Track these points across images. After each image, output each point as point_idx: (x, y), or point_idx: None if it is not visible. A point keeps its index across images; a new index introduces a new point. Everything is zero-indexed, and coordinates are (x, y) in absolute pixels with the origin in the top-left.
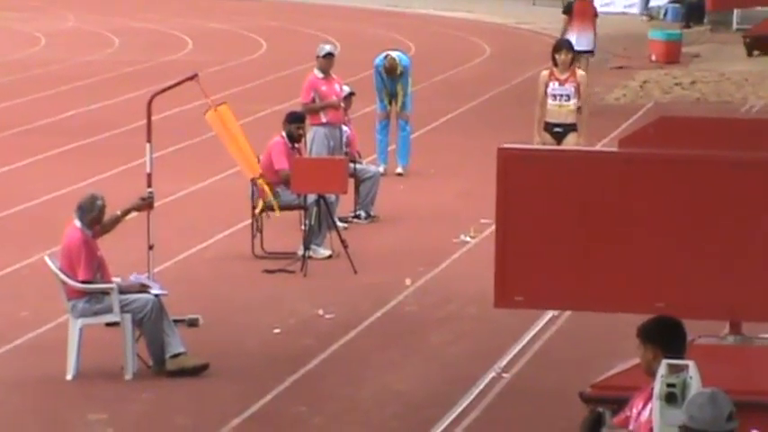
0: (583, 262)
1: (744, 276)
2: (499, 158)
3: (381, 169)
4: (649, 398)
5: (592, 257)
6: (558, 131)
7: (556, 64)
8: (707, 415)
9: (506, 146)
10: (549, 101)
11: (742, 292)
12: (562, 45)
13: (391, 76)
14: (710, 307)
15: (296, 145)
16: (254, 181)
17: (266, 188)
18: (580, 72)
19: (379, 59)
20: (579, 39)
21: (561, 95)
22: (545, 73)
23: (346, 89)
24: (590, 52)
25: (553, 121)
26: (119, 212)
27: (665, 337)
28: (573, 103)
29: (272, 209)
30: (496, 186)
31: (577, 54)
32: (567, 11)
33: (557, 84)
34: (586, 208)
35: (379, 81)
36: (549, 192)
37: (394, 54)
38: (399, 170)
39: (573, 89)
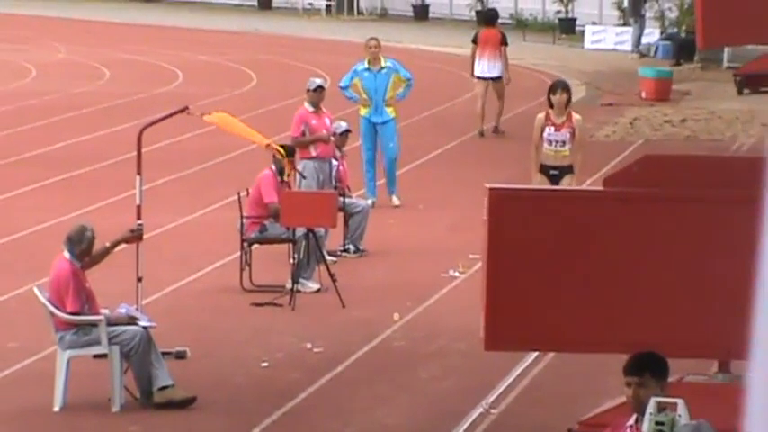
0: (575, 302)
1: (736, 314)
2: (490, 198)
3: (370, 202)
4: None
5: (584, 297)
6: (555, 174)
7: (551, 105)
8: None
9: (496, 186)
10: (545, 145)
11: (736, 331)
12: (557, 86)
13: (375, 68)
14: (707, 345)
15: (285, 178)
16: (268, 147)
17: (278, 150)
18: (576, 117)
19: (358, 63)
20: (481, 65)
21: (557, 141)
22: (541, 116)
23: (343, 125)
24: (498, 78)
25: (549, 164)
26: (108, 244)
27: (655, 366)
28: (568, 148)
29: (261, 242)
30: (487, 227)
31: (491, 81)
32: (474, 39)
33: (552, 129)
34: (579, 247)
35: (353, 94)
36: (540, 232)
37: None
38: (396, 202)
39: (569, 135)
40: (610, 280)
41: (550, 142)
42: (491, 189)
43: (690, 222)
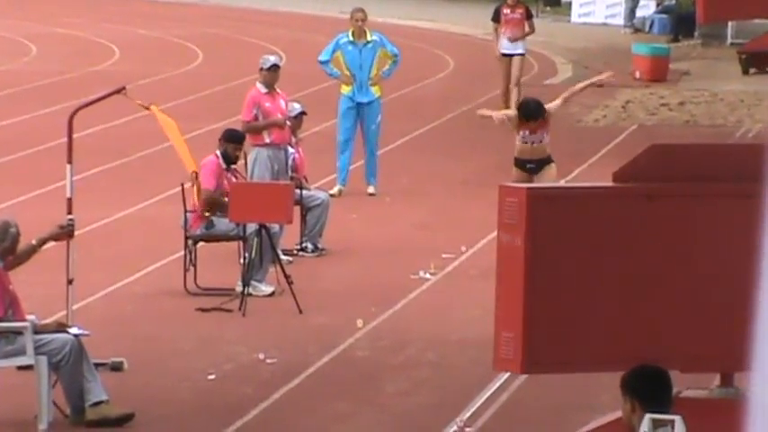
0: (616, 315)
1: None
2: (528, 201)
3: (336, 190)
4: None
5: (624, 309)
6: (531, 167)
7: None
8: None
9: (532, 186)
10: (520, 142)
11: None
12: (530, 112)
13: (360, 41)
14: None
15: (232, 166)
16: (194, 174)
17: (194, 190)
18: (550, 109)
19: (341, 34)
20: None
21: (533, 142)
22: (515, 118)
23: (297, 107)
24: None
25: (525, 158)
26: (34, 242)
27: (644, 387)
28: (546, 141)
29: (207, 240)
30: (524, 234)
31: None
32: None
33: (527, 132)
34: (616, 253)
35: (334, 69)
36: (576, 237)
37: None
38: (371, 190)
39: (545, 133)
40: (649, 288)
41: (526, 141)
42: (528, 189)
43: (723, 220)
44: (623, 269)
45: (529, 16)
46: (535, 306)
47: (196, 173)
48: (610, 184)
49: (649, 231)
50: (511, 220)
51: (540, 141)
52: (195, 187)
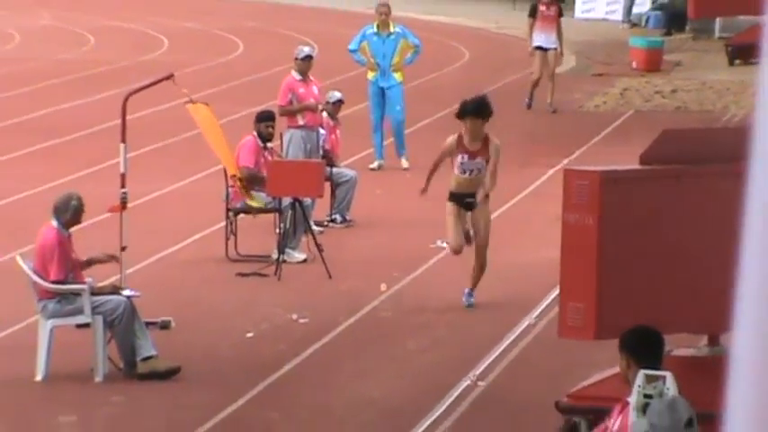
0: (670, 285)
1: None
2: (601, 183)
3: (376, 164)
4: (623, 408)
5: (676, 279)
6: (470, 201)
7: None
8: (665, 421)
9: (600, 169)
10: (458, 172)
11: None
12: (468, 110)
13: (384, 32)
14: None
15: (268, 144)
16: (233, 178)
17: (241, 189)
18: (495, 142)
19: (367, 26)
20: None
21: (471, 170)
22: (452, 140)
23: (337, 95)
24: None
25: (463, 191)
26: (84, 258)
27: (638, 345)
28: (485, 174)
29: (246, 212)
30: (597, 213)
31: (545, 51)
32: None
33: (466, 157)
34: (672, 227)
35: (361, 57)
36: (641, 214)
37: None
38: (405, 164)
39: (485, 162)
40: (696, 258)
41: (464, 171)
42: (601, 173)
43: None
44: (673, 242)
45: (560, 14)
46: (605, 278)
47: (234, 176)
48: (664, 166)
49: (695, 207)
50: (580, 200)
51: (479, 171)
52: (239, 187)
